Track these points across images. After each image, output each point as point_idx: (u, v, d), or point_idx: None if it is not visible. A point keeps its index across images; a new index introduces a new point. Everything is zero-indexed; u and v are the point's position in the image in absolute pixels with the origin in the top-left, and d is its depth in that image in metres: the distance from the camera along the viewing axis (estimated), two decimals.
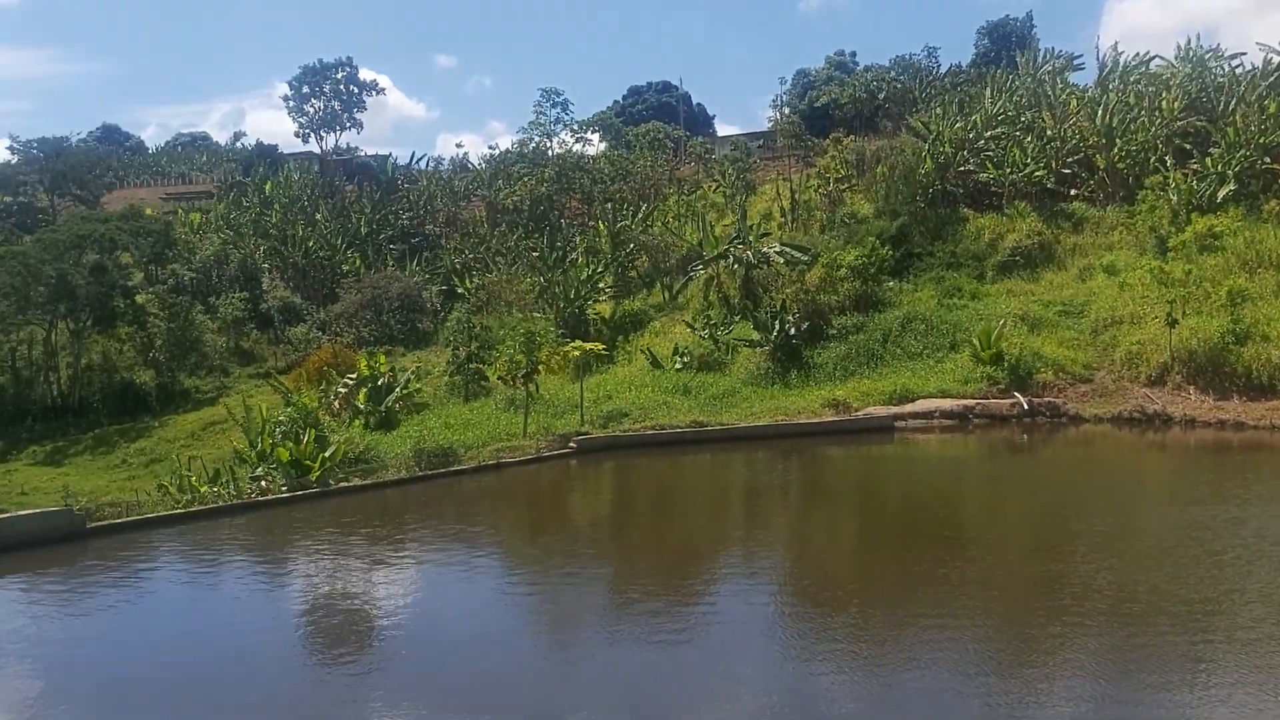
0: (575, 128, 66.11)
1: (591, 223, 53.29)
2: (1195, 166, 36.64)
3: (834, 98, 65.08)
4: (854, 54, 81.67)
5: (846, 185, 44.93)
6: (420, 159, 77.88)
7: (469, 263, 52.94)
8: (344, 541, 16.61)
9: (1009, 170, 39.65)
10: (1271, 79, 38.77)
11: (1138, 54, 46.92)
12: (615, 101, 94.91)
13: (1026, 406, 26.87)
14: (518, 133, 77.29)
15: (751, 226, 40.22)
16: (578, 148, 65.38)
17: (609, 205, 51.98)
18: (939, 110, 47.40)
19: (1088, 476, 21.37)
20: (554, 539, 17.34)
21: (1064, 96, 44.30)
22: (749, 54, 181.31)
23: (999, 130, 42.08)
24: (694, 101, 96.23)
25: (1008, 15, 72.04)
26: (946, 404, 27.31)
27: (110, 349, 51.39)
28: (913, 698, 9.44)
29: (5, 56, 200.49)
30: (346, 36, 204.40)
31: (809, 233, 41.80)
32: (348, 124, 73.09)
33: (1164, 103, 39.65)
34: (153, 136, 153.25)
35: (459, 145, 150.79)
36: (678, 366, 32.26)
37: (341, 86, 72.03)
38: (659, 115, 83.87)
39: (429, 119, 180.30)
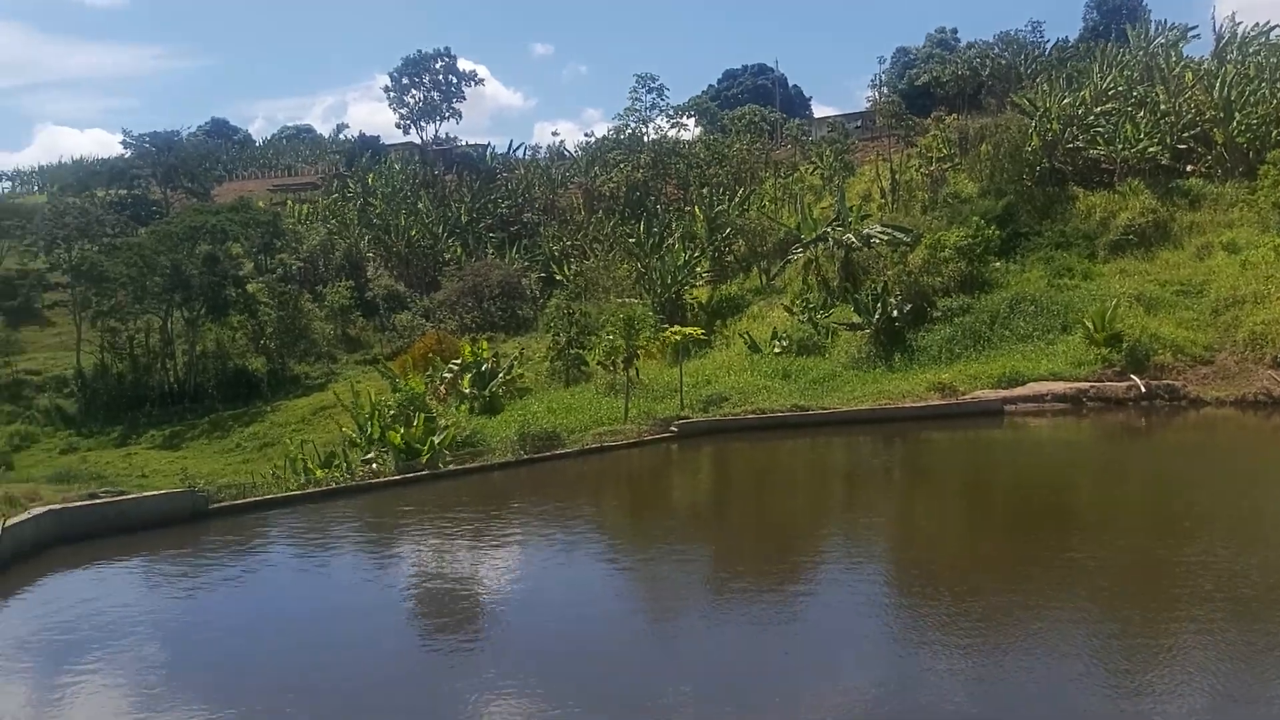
0: (671, 113, 65.96)
1: (688, 208, 53.19)
2: None
3: (935, 76, 63.73)
4: (955, 31, 79.74)
5: (949, 165, 44.04)
6: (517, 148, 78.55)
7: (567, 250, 53.31)
8: (452, 523, 16.90)
9: (1121, 146, 38.35)
10: None
11: (1257, 24, 45.03)
12: (710, 86, 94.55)
13: (1144, 389, 26.01)
14: (613, 119, 77.51)
15: (851, 208, 39.68)
16: (673, 133, 65.30)
17: (705, 190, 51.83)
18: (1045, 86, 46.11)
19: (1210, 461, 20.62)
20: (656, 521, 17.39)
21: (1178, 69, 42.66)
22: (847, 34, 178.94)
23: (1109, 105, 40.76)
24: (790, 84, 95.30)
25: None
26: (1059, 387, 26.60)
27: (223, 337, 53.13)
28: (1026, 686, 9.23)
29: (118, 55, 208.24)
30: (446, 27, 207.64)
31: (910, 214, 41.08)
32: (446, 114, 74.17)
33: None
34: (259, 130, 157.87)
35: (555, 133, 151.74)
36: (776, 350, 32.05)
37: (440, 77, 73.07)
38: (755, 98, 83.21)
39: (526, 108, 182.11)
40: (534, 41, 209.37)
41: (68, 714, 8.99)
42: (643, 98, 64.97)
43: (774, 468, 22.27)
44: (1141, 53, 46.12)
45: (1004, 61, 60.19)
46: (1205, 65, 42.79)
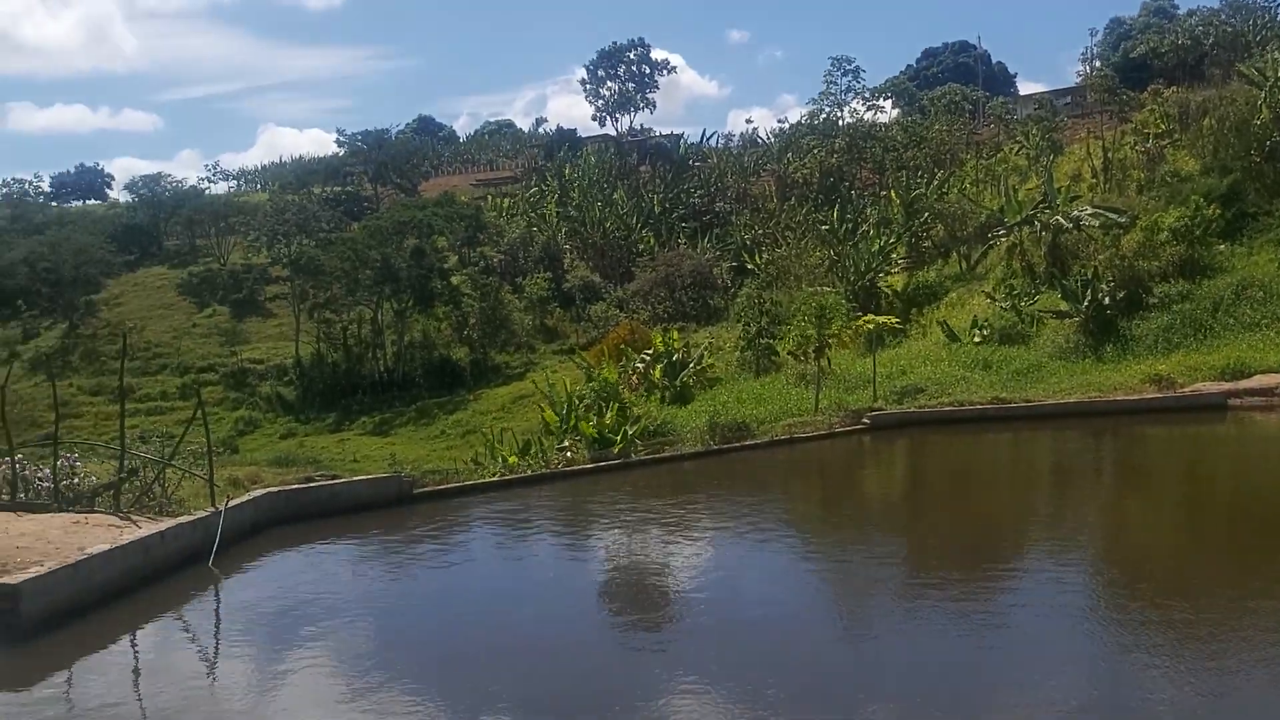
0: (867, 95, 64.56)
1: (884, 192, 51.94)
2: None
3: (1153, 46, 59.83)
4: None
5: (1167, 141, 41.21)
6: (710, 136, 78.59)
7: (759, 238, 52.97)
8: (644, 512, 17.03)
9: None
10: None
11: None
12: (908, 66, 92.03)
13: None
14: (807, 104, 76.42)
15: (1059, 189, 37.78)
16: (869, 116, 63.94)
17: (902, 173, 50.46)
18: (1277, 54, 42.48)
19: None
20: (848, 515, 17.02)
21: None
22: (1056, 5, 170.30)
23: None
24: (993, 60, 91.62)
25: None
26: None
27: (429, 327, 55.44)
28: (1253, 700, 8.49)
29: (333, 57, 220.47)
30: (643, 18, 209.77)
31: (1124, 194, 38.73)
32: (641, 105, 74.93)
33: None
34: (464, 126, 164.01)
35: (748, 120, 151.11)
36: (976, 340, 30.83)
37: (635, 68, 73.80)
38: (956, 77, 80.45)
39: (720, 96, 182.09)
40: (730, 28, 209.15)
41: (288, 688, 9.47)
42: (838, 81, 63.90)
43: (973, 463, 21.43)
44: None
45: (1230, 29, 55.90)
46: None
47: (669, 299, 50.24)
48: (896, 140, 58.39)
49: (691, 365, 32.27)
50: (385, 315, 55.08)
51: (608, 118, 76.14)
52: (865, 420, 23.75)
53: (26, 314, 66.06)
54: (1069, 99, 67.98)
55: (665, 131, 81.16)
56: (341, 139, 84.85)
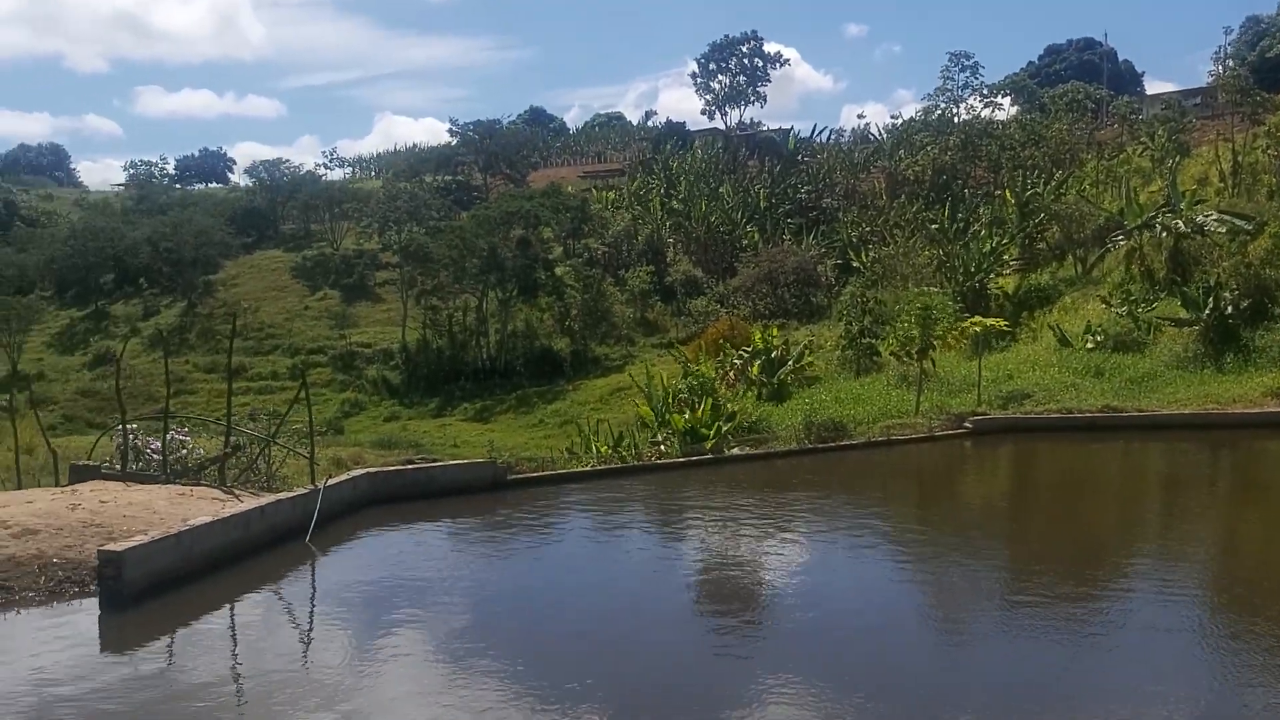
0: (985, 92, 63.00)
1: (998, 192, 50.66)
2: None
3: None
4: None
5: None
6: (821, 131, 77.67)
7: (865, 236, 52.18)
8: (735, 508, 16.87)
9: None
10: None
11: None
12: (1030, 62, 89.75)
13: None
14: (922, 100, 74.94)
15: (1184, 193, 36.29)
16: (986, 113, 62.37)
17: (1018, 172, 49.12)
18: None
19: None
20: (946, 521, 16.58)
21: None
22: (1189, 3, 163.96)
23: None
24: (1119, 58, 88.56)
25: None
26: None
27: (532, 317, 56.05)
28: None
29: (451, 47, 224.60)
30: (758, 11, 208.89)
31: (1254, 199, 36.99)
32: (751, 98, 74.48)
33: None
34: (575, 118, 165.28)
35: (860, 116, 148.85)
36: (1089, 346, 29.78)
37: (746, 61, 73.36)
38: (1079, 75, 78.11)
39: (835, 90, 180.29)
40: (847, 22, 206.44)
41: (381, 665, 9.60)
42: (955, 76, 62.58)
43: (1080, 472, 20.70)
44: None
45: None
46: None
47: (771, 295, 49.82)
48: (1014, 138, 56.83)
49: (790, 363, 31.92)
50: (490, 304, 55.84)
51: (717, 111, 75.85)
52: (967, 424, 23.16)
53: (148, 291, 68.84)
54: (1198, 100, 65.32)
55: (774, 126, 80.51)
56: (454, 129, 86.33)
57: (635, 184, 70.33)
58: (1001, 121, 62.19)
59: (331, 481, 15.08)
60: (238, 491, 15.04)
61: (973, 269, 38.19)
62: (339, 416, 48.34)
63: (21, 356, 59.30)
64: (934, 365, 27.26)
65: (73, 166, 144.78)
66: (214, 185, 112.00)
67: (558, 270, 59.88)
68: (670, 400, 24.72)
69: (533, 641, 10.38)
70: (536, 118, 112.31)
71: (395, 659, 9.74)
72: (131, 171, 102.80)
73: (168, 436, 16.16)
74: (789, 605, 11.74)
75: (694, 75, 75.35)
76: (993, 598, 11.92)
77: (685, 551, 14.69)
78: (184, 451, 16.58)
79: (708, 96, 74.81)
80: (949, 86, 62.61)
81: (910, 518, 17.00)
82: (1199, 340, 28.09)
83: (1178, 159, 45.43)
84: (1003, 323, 30.60)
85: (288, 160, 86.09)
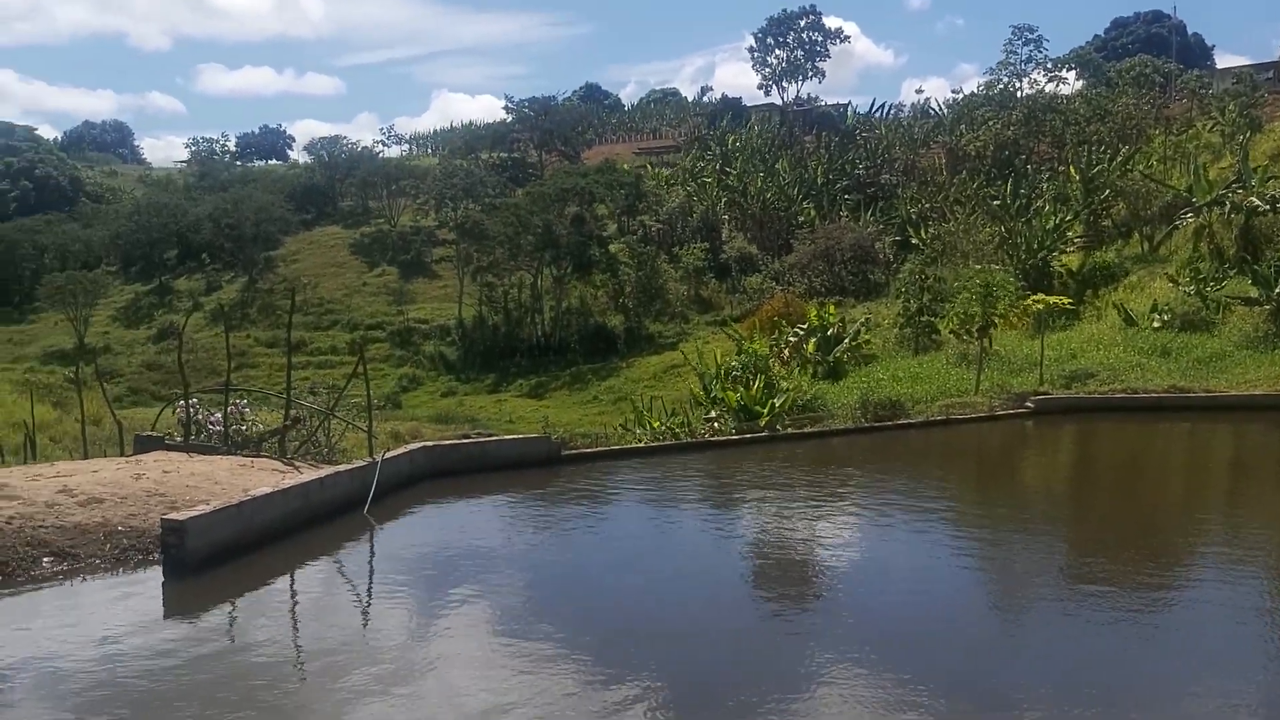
0: (1049, 66, 61.64)
1: (1062, 168, 49.60)
2: None
3: None
4: None
5: None
6: (880, 107, 76.64)
7: (925, 212, 51.44)
8: (789, 487, 16.76)
9: None
10: None
11: None
12: (1095, 36, 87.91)
13: None
14: (984, 74, 73.58)
15: (1255, 169, 35.29)
16: (1050, 87, 61.03)
17: (1083, 148, 48.02)
18: None
19: None
20: (1004, 501, 16.33)
21: None
22: None
23: None
24: (1189, 31, 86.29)
25: None
26: None
27: (586, 294, 56.13)
28: None
29: (508, 23, 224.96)
30: None
31: None
32: (809, 74, 73.62)
33: None
34: (631, 94, 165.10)
35: (919, 90, 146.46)
36: (1155, 325, 29.13)
37: (804, 35, 72.47)
38: (1146, 48, 76.22)
39: (896, 65, 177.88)
40: None
41: (439, 636, 9.68)
42: (1018, 50, 61.30)
43: (1145, 453, 20.28)
44: None
45: None
46: None
47: (827, 273, 49.31)
48: (1079, 113, 55.56)
49: (846, 340, 31.60)
50: (544, 281, 55.99)
51: (774, 86, 75.07)
52: (1029, 404, 22.78)
53: (210, 267, 70.01)
54: (1270, 74, 63.43)
55: (832, 101, 79.60)
56: (509, 105, 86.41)
57: (690, 160, 69.90)
58: (1066, 96, 60.82)
59: (389, 455, 15.19)
60: (298, 463, 15.21)
61: (1035, 246, 37.49)
62: (397, 391, 48.87)
63: (88, 330, 60.67)
64: (994, 344, 26.82)
65: (136, 143, 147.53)
66: (274, 162, 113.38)
67: (612, 247, 59.81)
68: (724, 377, 24.58)
69: (587, 616, 10.37)
70: (592, 94, 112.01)
71: (453, 631, 9.79)
72: (193, 148, 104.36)
73: (228, 409, 16.39)
74: (844, 585, 11.61)
75: (751, 50, 74.61)
76: (1054, 581, 11.70)
77: (739, 529, 14.61)
78: (245, 424, 16.80)
79: (765, 71, 74.06)
80: (1012, 60, 61.35)
81: (969, 498, 16.76)
82: (1270, 320, 27.36)
83: (1249, 134, 44.12)
84: (1066, 301, 30.02)
85: (346, 137, 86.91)
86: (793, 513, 15.12)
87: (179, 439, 16.06)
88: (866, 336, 32.76)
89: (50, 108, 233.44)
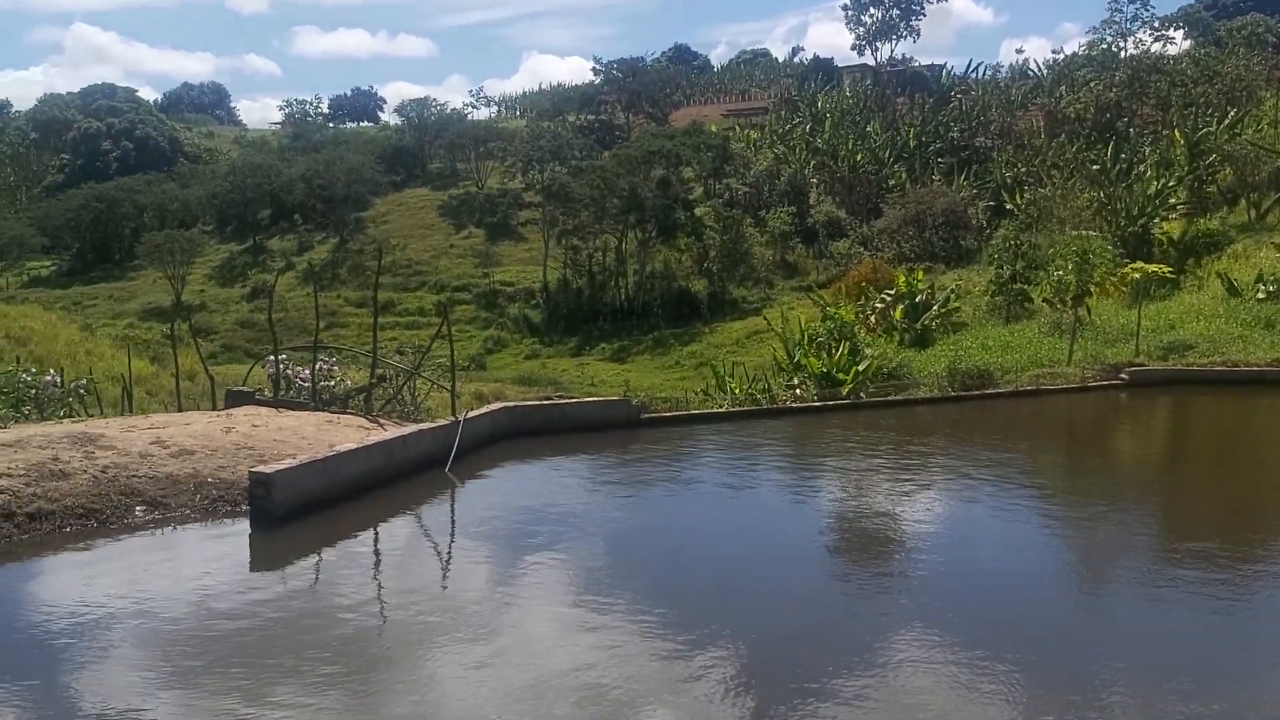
0: (1155, 25, 59.39)
1: (1166, 132, 47.84)
2: None
3: None
4: None
5: None
6: (977, 67, 74.63)
7: (1021, 176, 50.10)
8: (872, 455, 16.51)
9: None
10: None
11: None
12: None
13: None
14: (1087, 33, 71.26)
15: None
16: (1156, 47, 58.87)
17: (1189, 111, 46.22)
18: None
19: None
20: (1095, 476, 15.87)
21: None
22: None
23: None
24: None
25: None
26: None
27: (670, 258, 55.97)
28: None
29: None
30: None
31: None
32: (904, 33, 72.15)
33: None
34: (721, 55, 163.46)
35: (1019, 51, 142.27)
36: (1260, 296, 27.99)
37: None
38: (1259, 7, 72.91)
39: (995, 24, 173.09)
40: None
41: (522, 595, 9.76)
42: (1123, 9, 59.18)
43: (1246, 428, 19.54)
44: None
45: None
46: None
47: (917, 238, 48.40)
48: (1185, 74, 53.45)
49: (935, 308, 31.00)
50: (629, 244, 55.93)
51: (867, 47, 73.70)
52: (1124, 376, 22.09)
53: (302, 227, 71.44)
54: None
55: (927, 62, 77.71)
56: (598, 67, 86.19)
57: (779, 122, 69.02)
58: (1172, 57, 58.61)
59: (472, 414, 15.32)
60: (382, 421, 15.45)
61: (1135, 212, 36.26)
62: (481, 353, 49.45)
63: (185, 288, 62.45)
64: (1090, 313, 26.05)
65: (233, 105, 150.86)
66: (365, 124, 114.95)
67: (697, 211, 59.44)
68: (807, 344, 24.30)
69: (665, 580, 10.36)
70: (680, 55, 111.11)
71: (532, 591, 9.85)
72: (287, 110, 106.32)
73: (316, 367, 16.69)
74: (926, 556, 11.41)
75: (845, 8, 73.25)
76: (1144, 560, 11.34)
77: (820, 496, 14.45)
78: (332, 382, 17.11)
79: (858, 31, 72.75)
80: (1117, 19, 59.35)
81: (1058, 472, 16.34)
82: None
83: None
84: (1167, 269, 29.01)
85: (436, 99, 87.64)
86: (873, 482, 14.90)
87: (268, 394, 16.42)
88: (956, 304, 32.10)
89: (150, 70, 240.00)
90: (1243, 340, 24.37)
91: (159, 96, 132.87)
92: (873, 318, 30.70)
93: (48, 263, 71.55)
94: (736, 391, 21.13)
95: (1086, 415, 20.68)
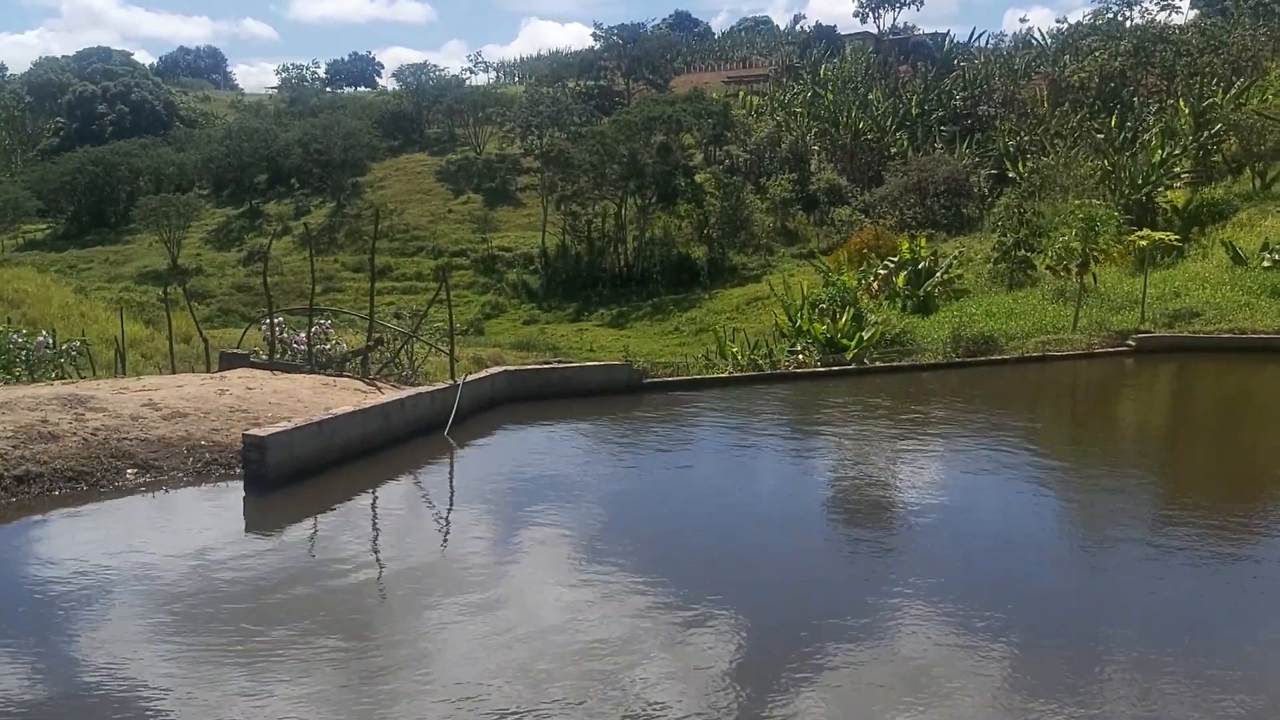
0: None
1: (1171, 101, 47.37)
2: None
3: None
4: None
5: None
6: (979, 36, 73.97)
7: (1024, 145, 49.64)
8: (874, 421, 16.33)
9: None
10: None
11: None
12: None
13: None
14: (1092, 2, 70.43)
15: None
16: (1162, 16, 58.22)
17: (1195, 81, 45.76)
18: None
19: None
20: (1099, 441, 15.70)
21: None
22: None
23: None
24: None
25: None
26: None
27: (670, 224, 55.55)
28: None
29: None
30: None
31: None
32: (907, 1, 71.34)
33: None
34: (722, 23, 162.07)
35: (1023, 19, 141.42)
36: (1265, 264, 27.73)
37: None
38: None
39: None
40: None
41: (520, 557, 9.66)
42: None
43: (1250, 395, 19.38)
44: None
45: None
46: None
47: (919, 205, 48.04)
48: (1191, 44, 52.88)
49: (938, 275, 30.74)
50: (628, 210, 55.51)
51: (870, 14, 72.99)
52: (1130, 343, 21.90)
53: (299, 192, 70.89)
54: None
55: (930, 30, 77.08)
56: (598, 33, 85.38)
57: (780, 90, 68.41)
58: (1178, 26, 58.00)
59: (471, 378, 15.10)
60: (380, 384, 15.22)
61: (1140, 181, 35.94)
62: (479, 318, 49.17)
63: (181, 252, 62.03)
64: (1095, 281, 25.81)
65: (229, 70, 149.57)
66: (362, 89, 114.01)
67: (698, 177, 59.00)
68: (810, 310, 24.07)
69: (665, 541, 10.22)
70: (681, 22, 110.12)
71: (530, 552, 9.72)
72: (284, 75, 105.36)
73: (312, 329, 16.44)
74: (927, 520, 11.24)
75: None
76: (1144, 522, 11.19)
77: (821, 461, 14.27)
78: (328, 344, 16.86)
79: None
80: None
81: (1063, 437, 16.17)
82: None
83: None
84: (1173, 236, 28.73)
85: (434, 65, 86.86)
86: (877, 446, 14.72)
87: (263, 357, 16.18)
88: (959, 271, 31.84)
89: (147, 34, 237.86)
90: (1248, 308, 24.18)
91: (155, 60, 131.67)
92: (875, 284, 30.45)
93: (43, 226, 71.02)
94: (738, 357, 20.91)
95: (1092, 381, 20.50)
